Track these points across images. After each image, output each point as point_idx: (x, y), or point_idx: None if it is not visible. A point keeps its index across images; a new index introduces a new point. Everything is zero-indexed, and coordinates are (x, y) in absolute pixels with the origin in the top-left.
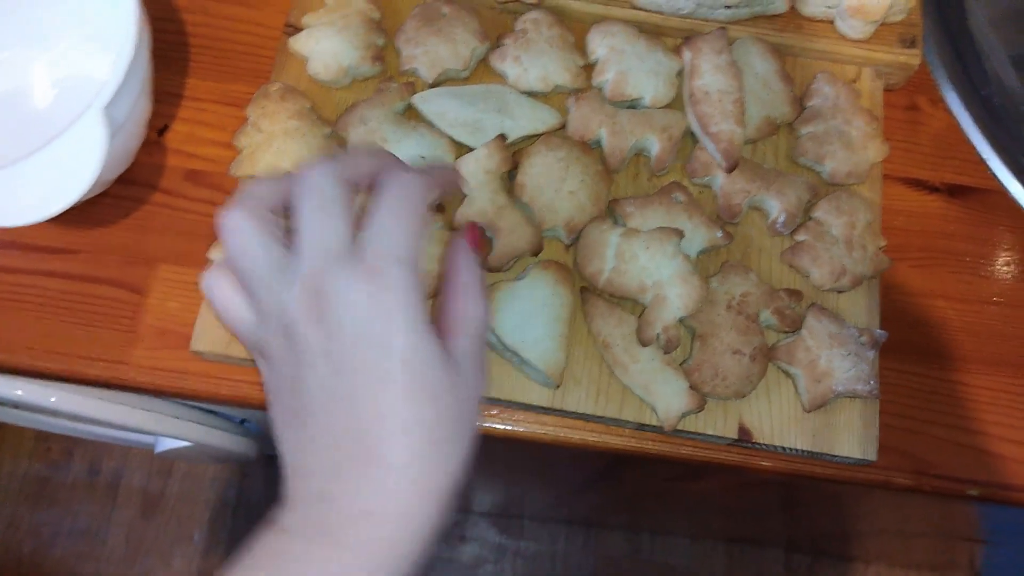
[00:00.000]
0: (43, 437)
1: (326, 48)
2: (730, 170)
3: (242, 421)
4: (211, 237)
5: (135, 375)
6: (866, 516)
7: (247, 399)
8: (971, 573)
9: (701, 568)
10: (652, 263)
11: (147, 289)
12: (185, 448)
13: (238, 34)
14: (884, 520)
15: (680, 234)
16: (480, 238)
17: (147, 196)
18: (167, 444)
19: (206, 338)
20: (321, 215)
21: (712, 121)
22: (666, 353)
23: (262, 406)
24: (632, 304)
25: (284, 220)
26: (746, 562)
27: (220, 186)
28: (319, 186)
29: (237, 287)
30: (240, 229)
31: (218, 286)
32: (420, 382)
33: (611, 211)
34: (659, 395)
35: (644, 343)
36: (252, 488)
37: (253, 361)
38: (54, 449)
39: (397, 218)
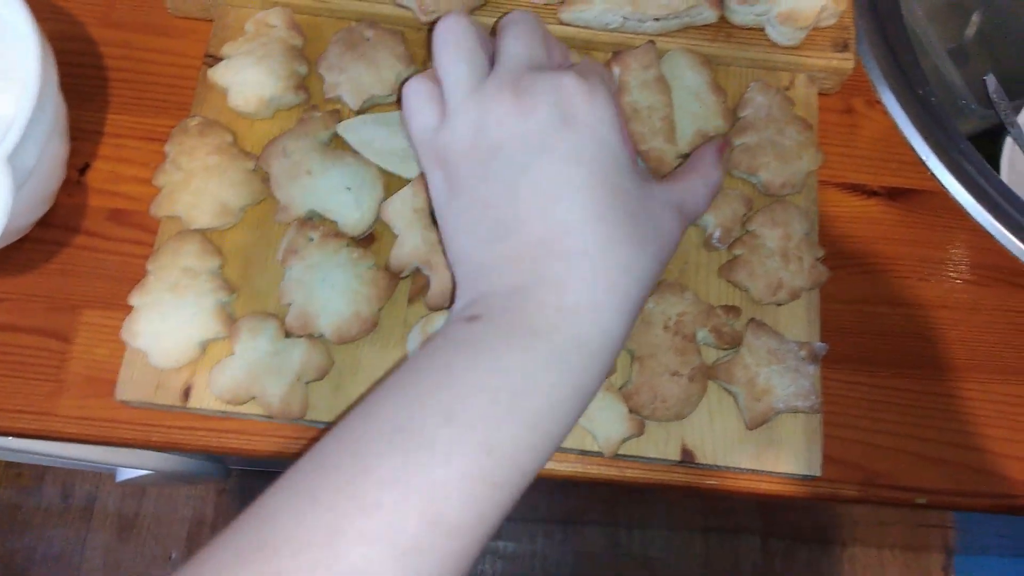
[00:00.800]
0: (13, 463)
1: (246, 79)
2: None
3: None
4: (136, 279)
5: (62, 426)
6: (839, 508)
7: (180, 445)
8: (944, 550)
9: (679, 559)
10: None
11: (72, 336)
12: (147, 476)
13: (159, 66)
14: (857, 512)
15: None
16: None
17: (69, 239)
18: (128, 473)
19: (131, 386)
20: (521, 38)
21: (641, 139)
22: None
23: (197, 451)
24: None
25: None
26: (723, 550)
27: (145, 225)
28: (521, 19)
29: (433, 93)
30: (461, 27)
31: (417, 85)
32: (613, 173)
33: None
34: (598, 421)
35: None
36: (229, 503)
37: (181, 407)
38: (25, 475)
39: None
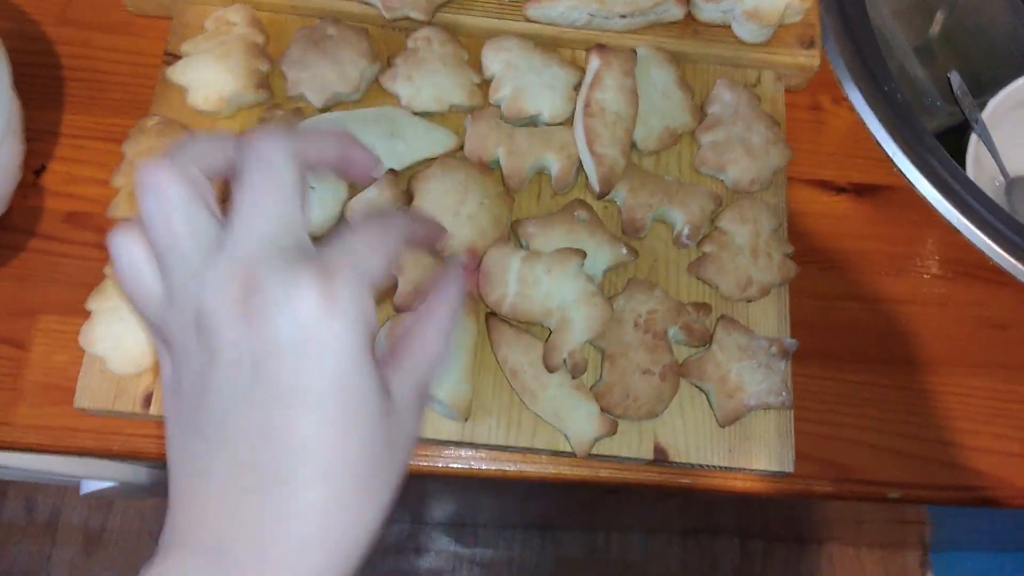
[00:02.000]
0: None
1: (206, 77)
2: (601, 196)
3: None
4: (94, 283)
5: (20, 436)
6: (815, 506)
7: (142, 453)
8: (921, 546)
9: (657, 562)
10: (555, 286)
11: (29, 343)
12: (111, 488)
13: (116, 65)
14: (833, 510)
15: (582, 255)
16: (475, 268)
17: (25, 243)
18: (92, 486)
19: (90, 394)
20: (271, 194)
21: (599, 140)
22: (574, 378)
23: (160, 460)
24: (540, 329)
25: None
26: (702, 552)
27: (102, 228)
28: (273, 160)
29: (149, 254)
30: (162, 189)
31: (126, 248)
32: (353, 419)
33: (513, 232)
34: (570, 421)
35: (551, 369)
36: None
37: (142, 414)
38: None
39: (377, 234)
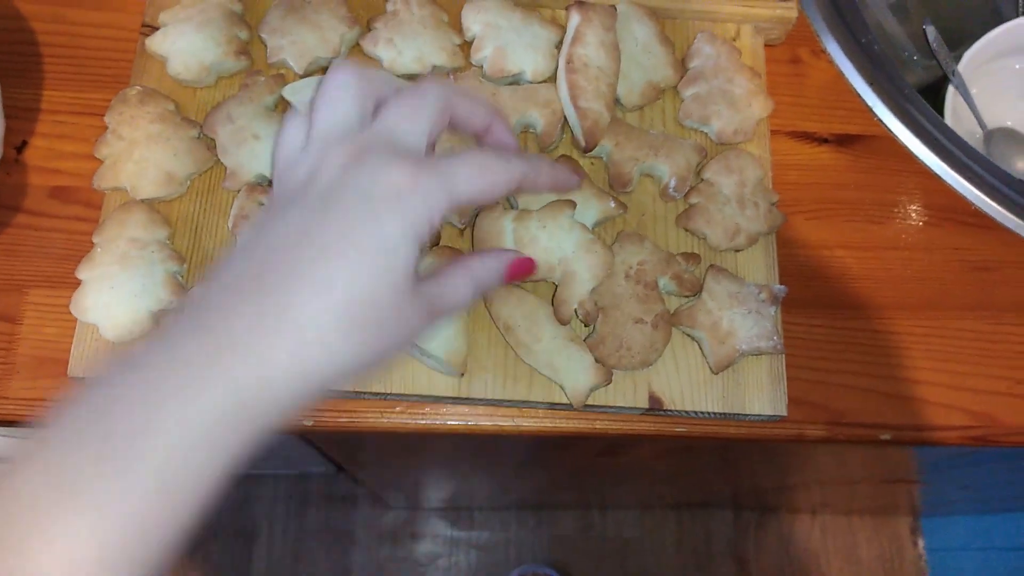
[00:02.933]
0: None
1: (184, 47)
2: (587, 150)
3: None
4: (82, 256)
5: (14, 409)
6: (805, 467)
7: None
8: (911, 512)
9: (653, 537)
10: (553, 241)
11: (20, 317)
12: None
13: (94, 39)
14: (824, 470)
15: (572, 205)
16: (521, 274)
17: (10, 219)
18: None
19: (84, 362)
20: (408, 116)
21: (583, 96)
22: (586, 326)
23: None
24: (531, 283)
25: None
26: (696, 526)
27: (88, 201)
28: (427, 94)
29: (303, 124)
30: (348, 83)
31: (292, 121)
32: (378, 267)
33: None
34: (566, 372)
35: (563, 322)
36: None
37: None
38: None
39: (483, 166)
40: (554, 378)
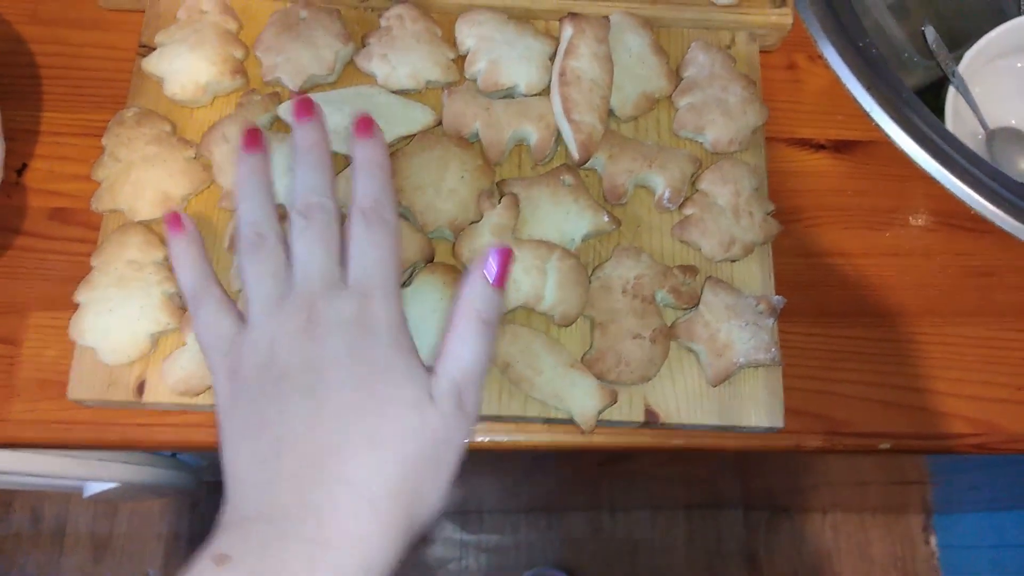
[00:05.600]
0: None
1: (181, 67)
2: (581, 163)
3: (173, 454)
4: (82, 277)
5: (16, 431)
6: (817, 470)
7: (137, 442)
8: (923, 510)
9: (663, 538)
10: (534, 283)
11: (20, 339)
12: (114, 489)
13: (92, 60)
14: (834, 471)
15: (557, 249)
16: (504, 266)
17: (11, 241)
18: (94, 488)
19: (83, 385)
20: (312, 243)
21: (576, 108)
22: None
23: (156, 447)
24: (523, 314)
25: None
26: (706, 526)
27: (87, 223)
28: (316, 217)
29: (225, 305)
30: (266, 236)
31: (208, 305)
32: (393, 419)
33: (499, 191)
34: (571, 400)
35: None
36: (205, 516)
37: (136, 403)
38: None
39: (377, 248)
40: (561, 407)
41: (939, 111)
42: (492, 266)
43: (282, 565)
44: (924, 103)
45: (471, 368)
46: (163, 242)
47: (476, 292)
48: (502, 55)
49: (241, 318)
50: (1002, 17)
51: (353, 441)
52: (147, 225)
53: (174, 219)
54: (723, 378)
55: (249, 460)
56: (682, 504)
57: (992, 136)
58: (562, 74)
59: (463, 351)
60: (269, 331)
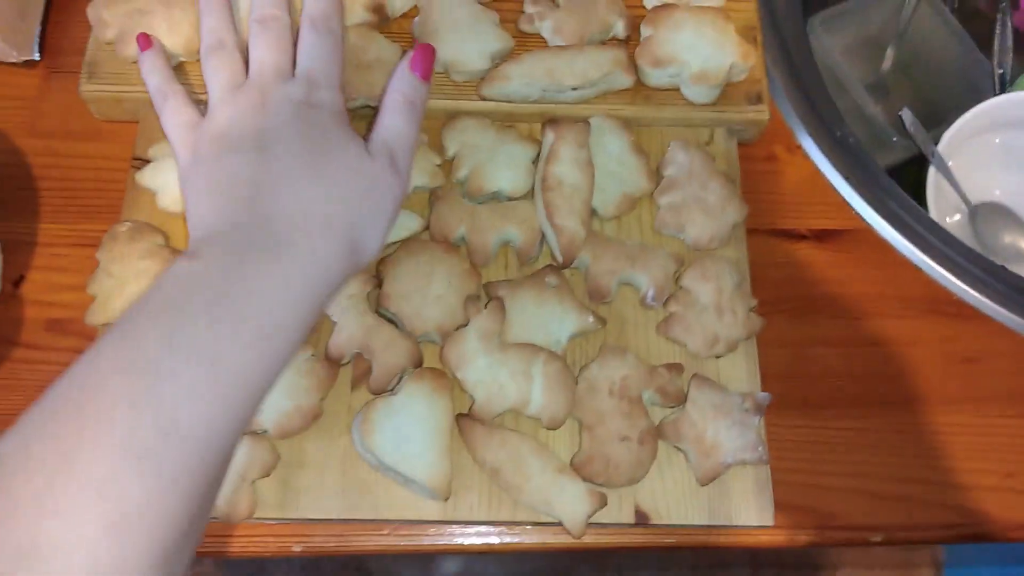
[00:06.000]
0: None
1: (174, 180)
2: (565, 266)
3: None
4: None
5: None
6: None
7: None
8: (933, 565)
9: None
10: (520, 387)
11: None
12: None
13: (87, 171)
14: None
15: (544, 352)
16: (426, 60)
17: (8, 353)
18: None
19: None
20: (269, 45)
21: (559, 213)
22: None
23: None
24: (512, 418)
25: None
26: None
27: (84, 333)
28: (265, 24)
29: (188, 100)
30: (224, 41)
31: (174, 101)
32: (335, 160)
33: (485, 293)
34: (561, 505)
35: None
36: None
37: None
38: None
39: (332, 51)
40: (550, 513)
41: (922, 185)
42: (417, 61)
43: (245, 258)
44: (907, 178)
45: (400, 136)
46: None
47: (402, 80)
48: (485, 161)
49: (203, 113)
50: (979, 92)
51: (301, 174)
52: None
53: (143, 38)
54: (711, 478)
55: (207, 200)
56: (689, 564)
57: (975, 211)
58: (544, 180)
59: (392, 122)
60: (226, 112)
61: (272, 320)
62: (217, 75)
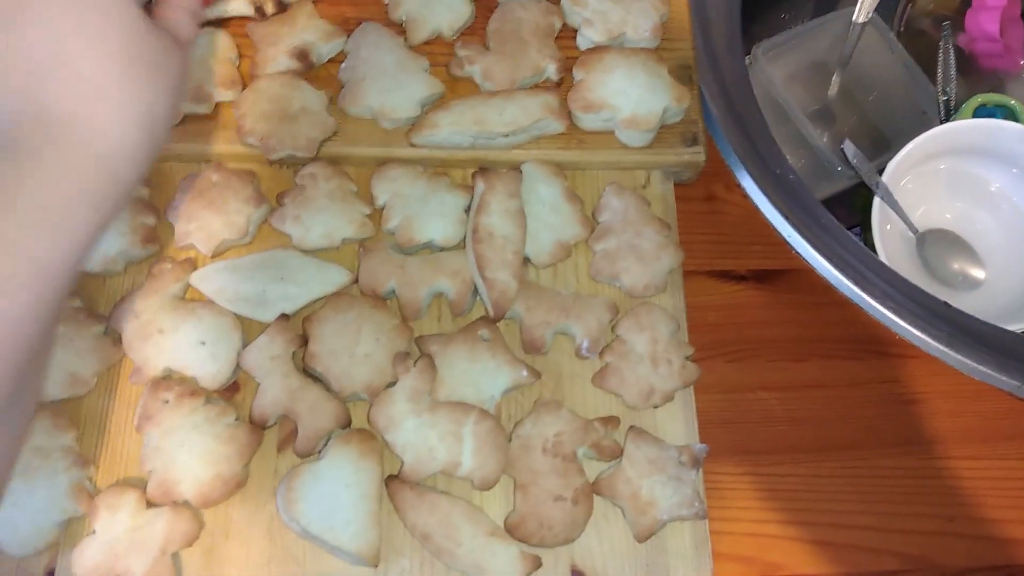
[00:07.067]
0: None
1: None
2: (496, 320)
3: None
4: None
5: None
6: None
7: None
8: None
9: None
10: (450, 448)
11: None
12: None
13: None
14: None
15: (475, 411)
16: None
17: None
18: None
19: None
20: None
21: (490, 266)
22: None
23: None
24: (443, 481)
25: None
26: None
27: None
28: None
29: None
30: None
31: None
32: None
33: (417, 347)
34: (494, 571)
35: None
36: None
37: None
38: None
39: None
40: None
41: (870, 209)
42: None
43: (20, 143)
44: (857, 202)
45: (182, 15)
46: (73, 423)
47: None
48: (416, 211)
49: None
50: (925, 117)
51: (73, 47)
52: (55, 407)
53: None
54: (648, 535)
55: None
56: None
57: (923, 239)
58: (475, 231)
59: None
60: None
61: (57, 202)
62: None
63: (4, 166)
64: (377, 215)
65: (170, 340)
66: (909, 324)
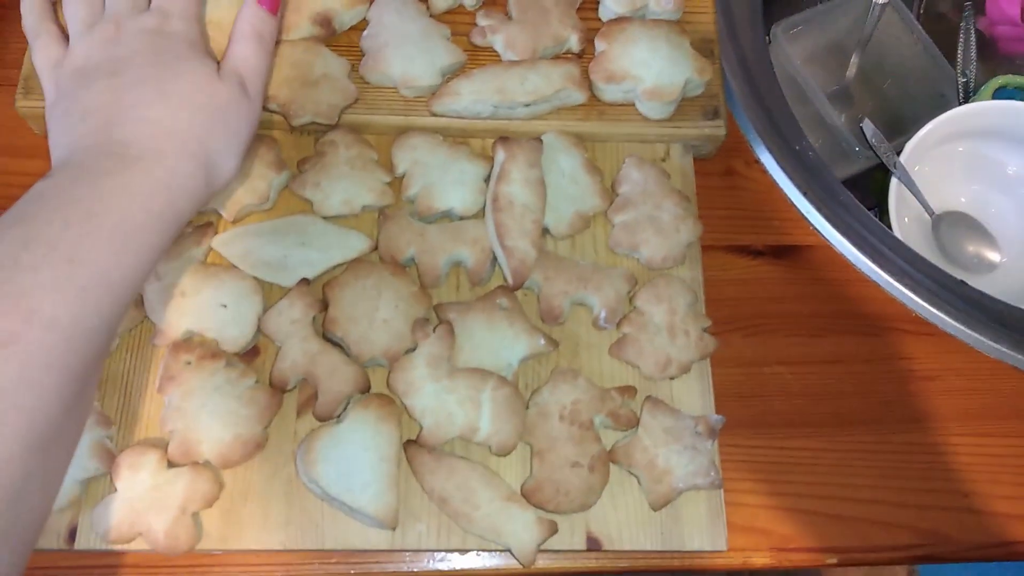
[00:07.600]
0: None
1: None
2: (515, 288)
3: None
4: None
5: None
6: None
7: None
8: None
9: None
10: (469, 414)
11: None
12: None
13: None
14: None
15: (493, 377)
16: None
17: None
18: None
19: None
20: None
21: (509, 234)
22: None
23: None
24: (460, 446)
25: None
26: None
27: None
28: None
29: (56, 36)
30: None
31: (42, 35)
32: (183, 79)
33: (436, 315)
34: (510, 535)
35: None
36: None
37: (70, 548)
38: None
39: None
40: (499, 542)
41: (887, 192)
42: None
43: (96, 170)
44: (873, 185)
45: (251, 64)
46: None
47: (250, 11)
48: (436, 179)
49: None
50: (944, 100)
51: (151, 97)
52: None
53: None
54: (663, 503)
55: (65, 133)
56: None
57: (938, 221)
58: (495, 199)
59: (241, 51)
60: (83, 46)
61: (126, 222)
62: (75, 13)
63: (83, 188)
64: (397, 183)
65: (192, 303)
66: (926, 301)
